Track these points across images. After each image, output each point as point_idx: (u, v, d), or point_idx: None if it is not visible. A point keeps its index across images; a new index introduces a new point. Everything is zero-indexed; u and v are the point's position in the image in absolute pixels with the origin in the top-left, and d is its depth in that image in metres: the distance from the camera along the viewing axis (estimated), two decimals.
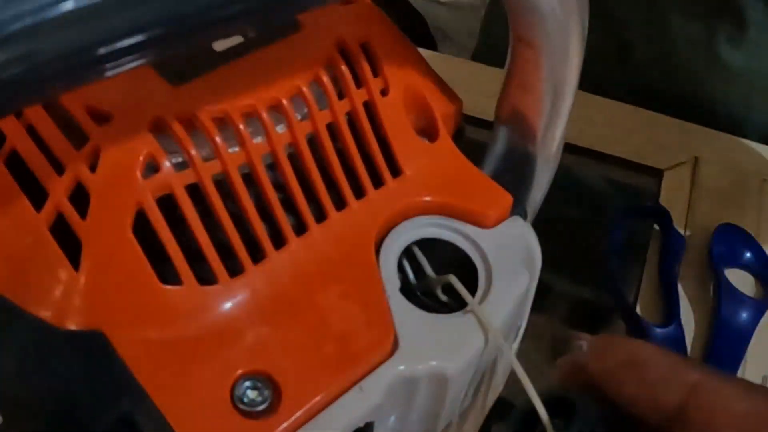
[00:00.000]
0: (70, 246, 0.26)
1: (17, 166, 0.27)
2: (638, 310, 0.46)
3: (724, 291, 0.46)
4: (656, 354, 0.22)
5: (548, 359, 0.48)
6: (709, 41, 0.56)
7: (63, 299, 0.26)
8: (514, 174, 0.32)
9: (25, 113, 0.27)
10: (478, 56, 0.66)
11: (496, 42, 0.69)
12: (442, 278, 0.29)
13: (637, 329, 0.45)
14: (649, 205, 0.50)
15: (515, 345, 0.33)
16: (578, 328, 0.44)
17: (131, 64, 0.21)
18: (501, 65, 0.31)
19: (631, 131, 0.53)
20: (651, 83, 0.59)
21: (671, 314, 0.46)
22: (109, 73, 0.21)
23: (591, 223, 0.52)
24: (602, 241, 0.47)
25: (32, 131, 0.27)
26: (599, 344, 0.23)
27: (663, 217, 0.49)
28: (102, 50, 0.20)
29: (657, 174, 0.52)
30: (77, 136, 0.27)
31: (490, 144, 0.32)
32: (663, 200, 0.50)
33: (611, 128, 0.53)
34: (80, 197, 0.26)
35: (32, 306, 0.26)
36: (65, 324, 0.26)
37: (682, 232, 0.49)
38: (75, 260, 0.26)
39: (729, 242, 0.48)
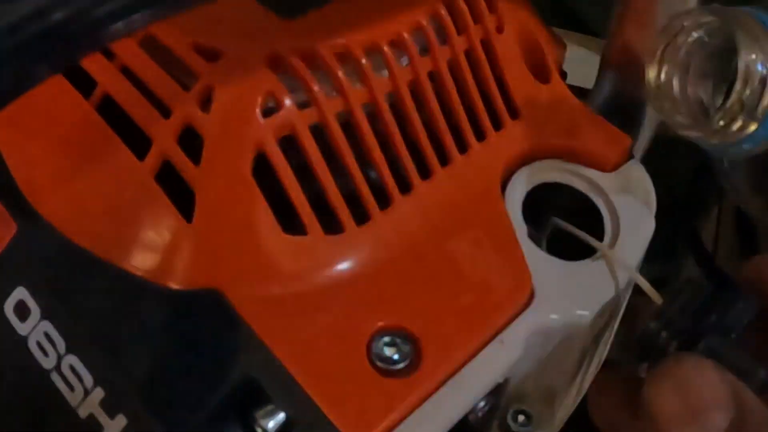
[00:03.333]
0: (177, 198, 0.24)
1: (111, 113, 0.25)
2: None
3: None
4: None
5: None
6: None
7: (171, 255, 0.24)
8: (622, 119, 0.30)
9: (118, 53, 0.25)
10: None
11: None
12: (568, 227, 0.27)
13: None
14: None
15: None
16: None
17: None
18: None
19: None
20: None
21: None
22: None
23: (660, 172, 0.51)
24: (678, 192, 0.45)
25: (128, 73, 0.25)
26: (762, 262, 0.22)
27: None
28: None
29: None
30: (181, 78, 0.24)
31: (596, 87, 0.31)
32: None
33: None
34: (188, 143, 0.24)
35: (131, 264, 0.24)
36: (169, 282, 0.24)
37: None
38: (185, 212, 0.24)
39: None
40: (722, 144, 0.25)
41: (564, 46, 0.30)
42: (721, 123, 0.24)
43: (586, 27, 0.45)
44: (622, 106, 0.30)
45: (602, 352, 0.30)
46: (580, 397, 0.28)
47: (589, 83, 0.31)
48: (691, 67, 0.25)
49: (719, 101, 0.25)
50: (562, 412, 0.30)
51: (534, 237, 0.27)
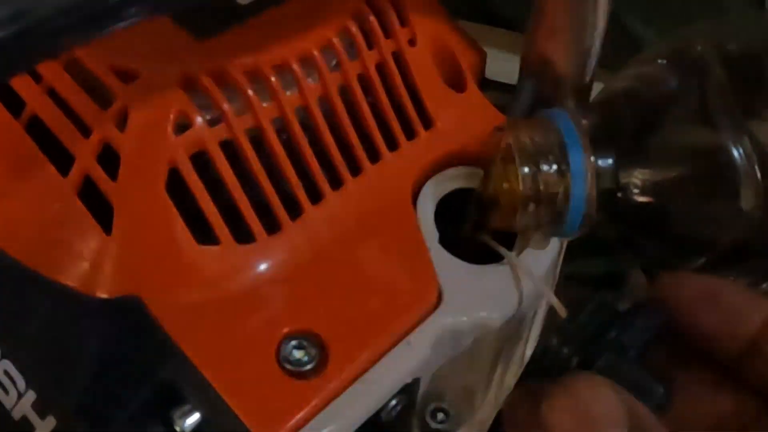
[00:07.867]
0: (99, 211, 0.25)
1: (39, 131, 0.26)
2: None
3: None
4: (732, 286, 0.21)
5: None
6: None
7: (95, 265, 0.25)
8: None
9: (45, 76, 0.26)
10: None
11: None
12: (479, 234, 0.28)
13: None
14: None
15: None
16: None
17: (139, 17, 0.20)
18: None
19: None
20: None
21: None
22: (121, 25, 0.20)
23: None
24: None
25: (54, 95, 0.26)
26: (672, 279, 0.22)
27: None
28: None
29: None
30: (102, 98, 0.26)
31: (516, 96, 0.32)
32: None
33: None
34: (108, 159, 0.25)
35: (58, 275, 0.25)
36: (96, 292, 0.25)
37: None
38: (105, 225, 0.25)
39: None
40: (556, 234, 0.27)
41: (483, 54, 0.31)
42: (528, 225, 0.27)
43: (503, 22, 0.45)
44: None
45: (521, 354, 0.31)
46: (503, 397, 0.29)
47: (510, 79, 0.32)
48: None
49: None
50: (483, 410, 0.31)
51: (456, 240, 0.29)
